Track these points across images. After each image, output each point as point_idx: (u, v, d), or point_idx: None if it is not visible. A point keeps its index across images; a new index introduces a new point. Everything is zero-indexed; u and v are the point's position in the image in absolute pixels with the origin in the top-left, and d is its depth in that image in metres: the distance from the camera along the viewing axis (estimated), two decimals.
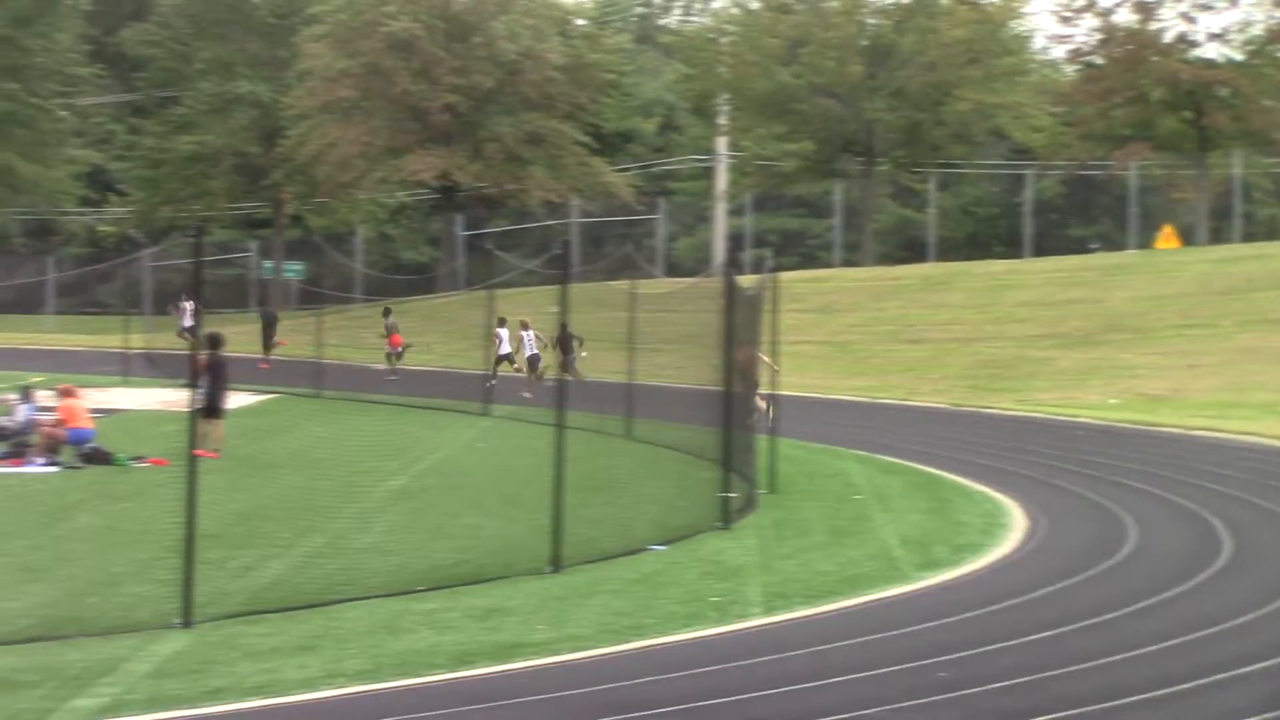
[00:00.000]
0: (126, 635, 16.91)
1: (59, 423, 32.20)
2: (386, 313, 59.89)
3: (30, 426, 32.75)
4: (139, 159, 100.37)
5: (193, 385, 18.83)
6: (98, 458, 31.67)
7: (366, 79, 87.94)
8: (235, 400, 35.23)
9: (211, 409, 32.43)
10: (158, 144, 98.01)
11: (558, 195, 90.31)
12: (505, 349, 52.13)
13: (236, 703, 14.23)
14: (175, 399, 38.65)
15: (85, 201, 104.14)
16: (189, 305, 75.45)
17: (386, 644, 16.76)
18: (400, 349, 58.27)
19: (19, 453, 31.56)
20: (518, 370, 51.52)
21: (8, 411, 33.93)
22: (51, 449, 31.60)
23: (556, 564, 21.53)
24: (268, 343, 62.19)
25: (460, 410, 45.17)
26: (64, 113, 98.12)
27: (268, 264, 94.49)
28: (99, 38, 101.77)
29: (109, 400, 43.53)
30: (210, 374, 32.83)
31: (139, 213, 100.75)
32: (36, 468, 30.76)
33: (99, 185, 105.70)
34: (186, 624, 17.28)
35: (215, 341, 33.95)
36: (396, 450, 35.29)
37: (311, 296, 78.17)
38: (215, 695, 14.44)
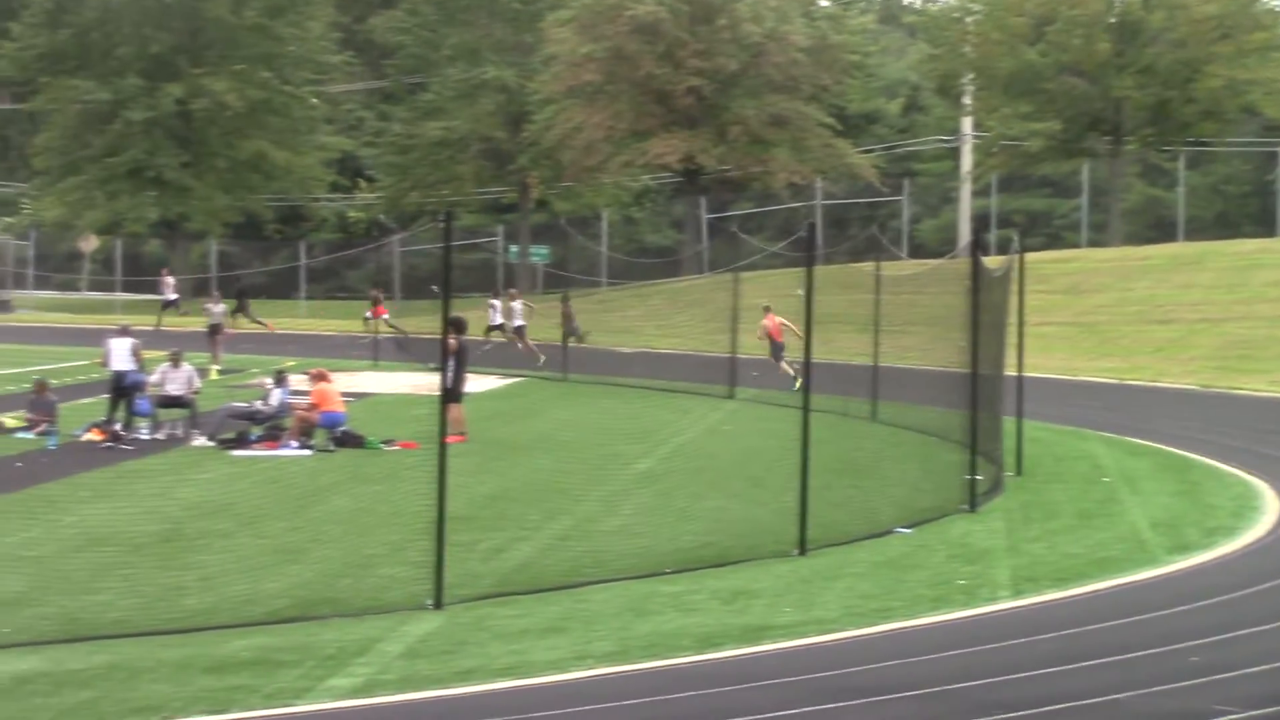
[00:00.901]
0: (380, 616, 17.22)
1: (312, 406, 32.83)
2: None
3: (284, 410, 33.44)
4: (388, 145, 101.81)
5: (444, 369, 19.09)
6: (349, 441, 32.23)
7: (611, 63, 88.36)
8: (484, 384, 35.60)
9: (451, 392, 32.95)
10: (406, 130, 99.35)
11: (801, 177, 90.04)
12: (497, 319, 57.74)
13: (487, 683, 14.42)
14: (424, 382, 39.37)
15: (335, 188, 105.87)
16: (171, 280, 76.96)
17: (634, 626, 16.89)
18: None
19: (274, 436, 32.23)
20: (509, 339, 56.46)
21: (262, 395, 34.66)
22: (305, 432, 32.22)
23: (802, 547, 21.54)
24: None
25: (704, 393, 45.26)
26: (315, 100, 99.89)
27: (514, 248, 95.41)
28: (349, 26, 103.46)
29: (360, 384, 44.30)
30: (456, 357, 33.35)
31: (388, 198, 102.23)
32: (290, 451, 31.39)
33: (349, 171, 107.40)
34: (438, 605, 17.54)
35: (459, 326, 34.38)
36: (642, 433, 35.50)
37: (557, 280, 78.83)
38: (466, 676, 14.65)
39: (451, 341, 32.54)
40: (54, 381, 36.00)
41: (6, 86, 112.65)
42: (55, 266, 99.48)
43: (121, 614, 16.96)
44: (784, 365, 46.57)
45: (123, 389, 33.53)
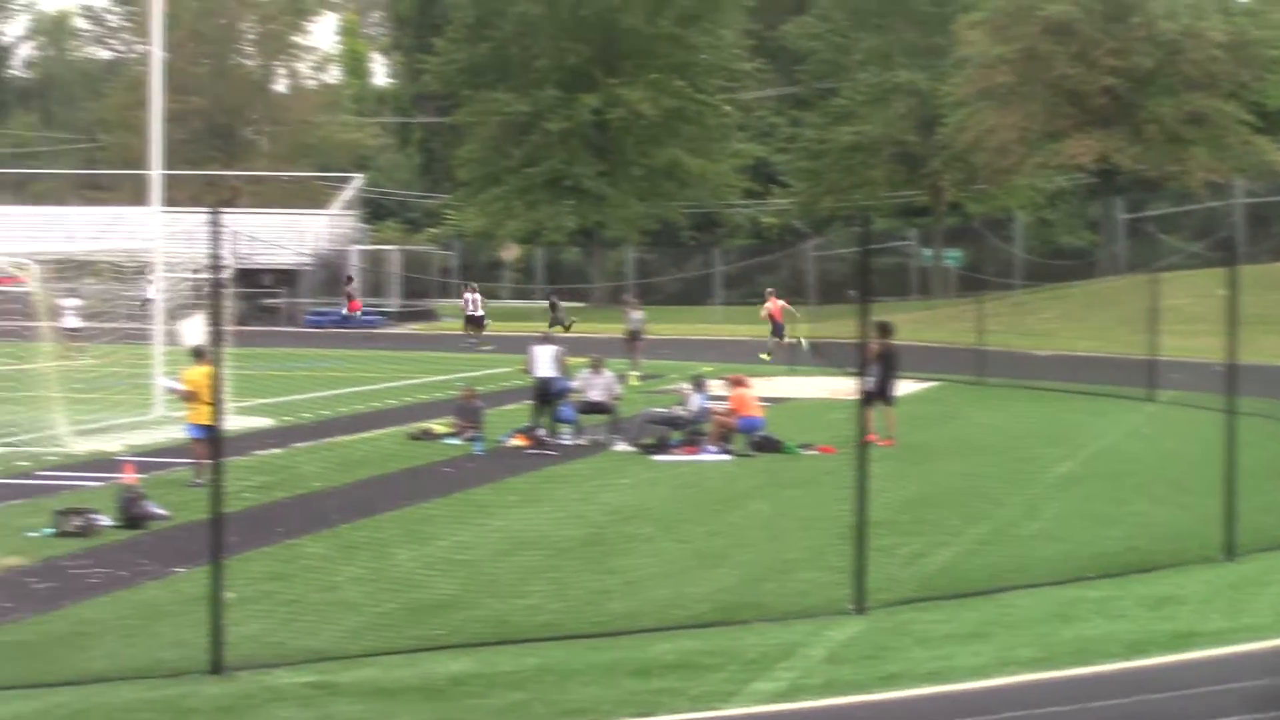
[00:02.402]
0: (801, 620, 17.24)
1: (730, 411, 33.06)
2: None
3: (704, 415, 33.74)
4: (800, 151, 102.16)
5: (862, 373, 19.04)
6: (768, 445, 32.38)
7: (1024, 64, 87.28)
8: (900, 388, 35.42)
9: (883, 396, 32.98)
10: (818, 135, 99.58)
11: (1220, 176, 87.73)
12: (472, 311, 63.03)
13: (911, 689, 14.35)
14: (842, 387, 39.26)
15: (748, 194, 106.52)
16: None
17: (1058, 631, 16.63)
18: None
19: (693, 441, 32.53)
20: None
21: (682, 401, 35.03)
22: (724, 437, 32.47)
23: (1229, 552, 20.95)
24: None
25: (1123, 396, 44.38)
26: (728, 107, 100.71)
27: (927, 251, 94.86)
28: (761, 33, 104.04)
29: (776, 389, 44.46)
30: (881, 362, 33.34)
31: (801, 204, 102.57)
32: (710, 455, 31.65)
33: (761, 178, 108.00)
34: (860, 610, 17.50)
35: (886, 329, 34.31)
36: (1060, 436, 34.97)
37: (971, 283, 78.08)
38: (890, 681, 14.60)
39: (876, 345, 32.60)
40: (480, 388, 36.86)
41: (431, 100, 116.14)
42: (478, 275, 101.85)
43: (550, 617, 17.29)
44: (785, 341, 55.25)
45: (547, 395, 34.21)
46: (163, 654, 15.49)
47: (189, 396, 26.98)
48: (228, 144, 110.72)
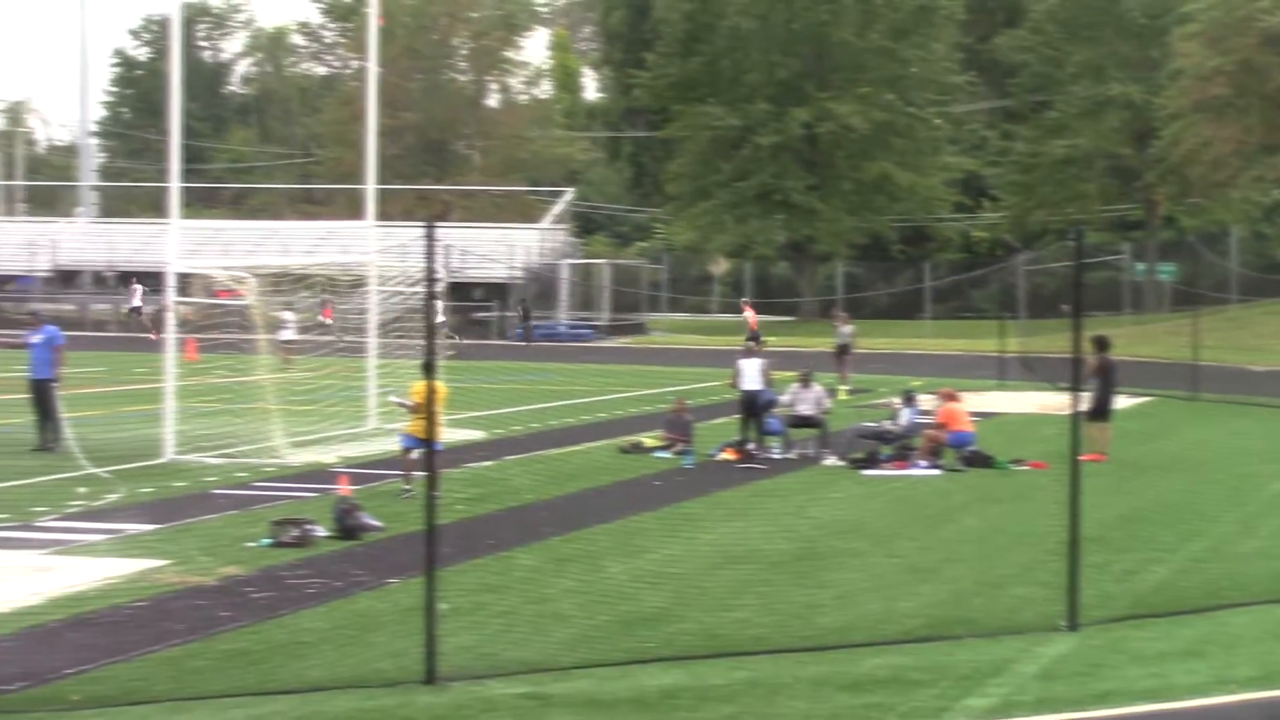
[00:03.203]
0: (1013, 636, 17.08)
1: (940, 426, 32.85)
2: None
3: (914, 430, 33.57)
4: (1011, 164, 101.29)
5: (1078, 388, 18.84)
6: (978, 460, 32.13)
7: (1240, 76, 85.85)
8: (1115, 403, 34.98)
9: (1099, 411, 32.64)
10: (1030, 149, 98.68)
11: None
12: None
13: (1125, 707, 14.17)
14: (1053, 402, 38.87)
15: (959, 208, 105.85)
16: (139, 287, 76.64)
17: (1277, 651, 16.33)
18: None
19: (903, 456, 32.36)
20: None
21: (892, 415, 34.88)
22: (933, 452, 32.26)
23: None
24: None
25: None
26: (939, 121, 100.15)
27: (1140, 266, 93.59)
28: (972, 46, 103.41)
29: (987, 403, 44.10)
30: (1099, 376, 33.01)
31: (1011, 218, 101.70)
32: (920, 470, 31.46)
33: (972, 191, 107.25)
34: (1072, 627, 17.30)
35: (1103, 344, 33.95)
36: (1278, 453, 34.35)
37: (1185, 297, 76.89)
38: (1103, 699, 14.42)
39: (1093, 359, 32.26)
40: (690, 401, 36.93)
41: (641, 115, 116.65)
42: (687, 289, 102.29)
43: (760, 630, 17.28)
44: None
45: (753, 408, 34.20)
46: (378, 664, 15.68)
47: (415, 409, 27.37)
48: (440, 159, 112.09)
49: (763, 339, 55.69)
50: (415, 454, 26.60)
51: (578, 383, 53.93)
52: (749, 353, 35.40)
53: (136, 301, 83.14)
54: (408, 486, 26.79)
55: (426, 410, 26.89)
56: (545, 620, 17.66)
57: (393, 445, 29.87)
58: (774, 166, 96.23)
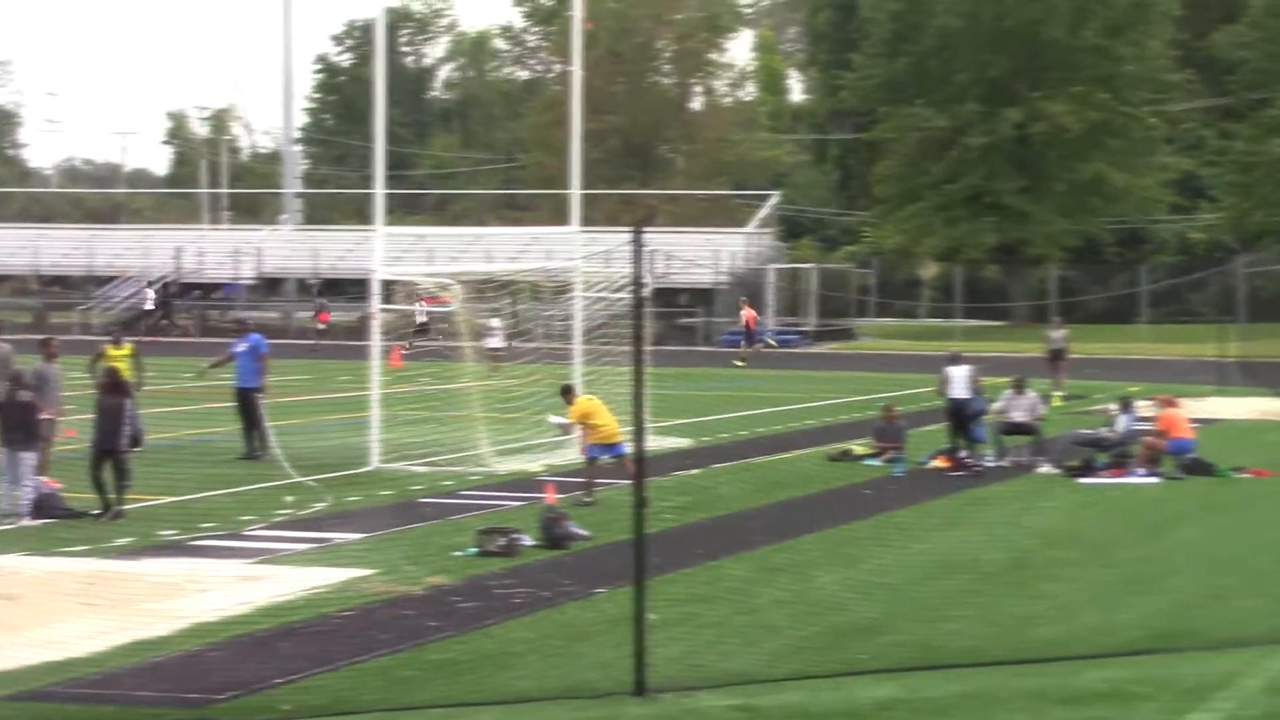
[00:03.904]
0: (1238, 649, 16.81)
1: (1160, 433, 32.39)
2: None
3: (1131, 437, 33.13)
4: (1230, 164, 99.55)
5: None
6: (1198, 468, 31.63)
7: None
8: None
9: None
10: (1249, 147, 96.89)
11: None
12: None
13: None
14: (1276, 408, 38.28)
15: (1175, 209, 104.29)
16: (150, 292, 75.97)
17: None
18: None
19: (1120, 463, 31.95)
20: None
21: (1108, 422, 34.45)
22: (1152, 459, 31.81)
23: None
24: None
25: None
26: (1154, 120, 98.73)
27: None
28: (1188, 42, 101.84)
29: (1206, 409, 43.39)
30: None
31: (1230, 218, 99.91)
32: (1137, 478, 31.03)
33: (1189, 192, 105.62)
34: None
35: None
36: None
37: None
38: None
39: None
40: (899, 408, 36.75)
41: (847, 116, 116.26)
42: (895, 293, 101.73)
43: (975, 642, 17.15)
44: (757, 347, 63.20)
45: (961, 417, 33.89)
46: (586, 675, 15.76)
47: (567, 430, 27.81)
48: (644, 162, 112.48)
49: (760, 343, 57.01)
50: (603, 461, 26.87)
51: (785, 389, 53.84)
52: (955, 359, 35.07)
53: (149, 305, 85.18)
54: (589, 499, 26.94)
55: (589, 422, 27.42)
56: (755, 631, 17.66)
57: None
58: (984, 168, 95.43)
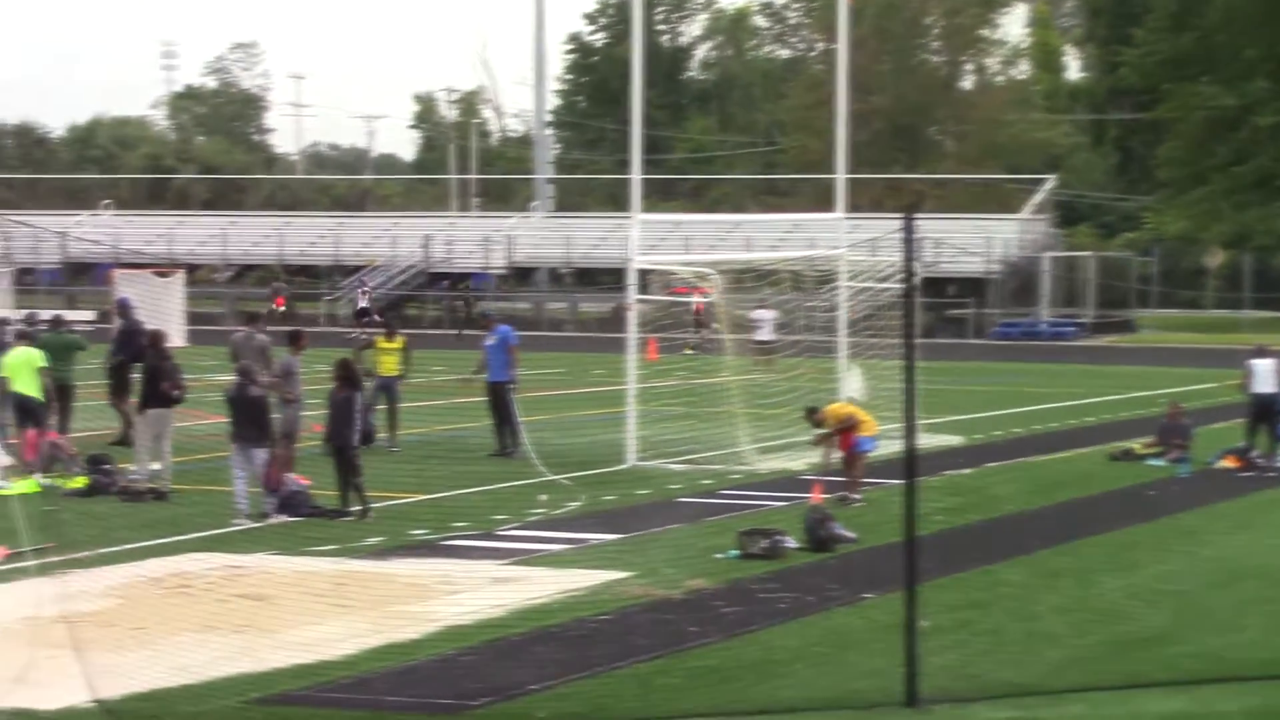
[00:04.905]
0: None
1: None
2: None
3: None
4: None
5: None
6: None
7: None
8: None
9: None
10: None
11: None
12: None
13: None
14: None
15: None
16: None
17: None
18: None
19: None
20: None
21: None
22: None
23: None
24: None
25: None
26: None
27: None
28: None
29: None
30: None
31: None
32: None
33: None
34: None
35: None
36: None
37: None
38: None
39: None
40: (1186, 405, 36.15)
41: (1127, 95, 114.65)
42: (1179, 283, 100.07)
43: (1272, 653, 16.83)
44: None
45: (1266, 413, 33.16)
46: (854, 684, 15.69)
47: (824, 440, 27.79)
48: (911, 145, 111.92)
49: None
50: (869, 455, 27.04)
51: (1061, 384, 53.24)
52: (1261, 352, 34.27)
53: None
54: (857, 497, 26.85)
55: (857, 421, 27.39)
56: (1033, 640, 17.50)
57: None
58: (1275, 149, 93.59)
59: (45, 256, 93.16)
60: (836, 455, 27.87)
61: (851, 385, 31.62)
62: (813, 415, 28.69)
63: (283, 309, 74.31)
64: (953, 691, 15.21)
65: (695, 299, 63.11)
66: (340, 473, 25.91)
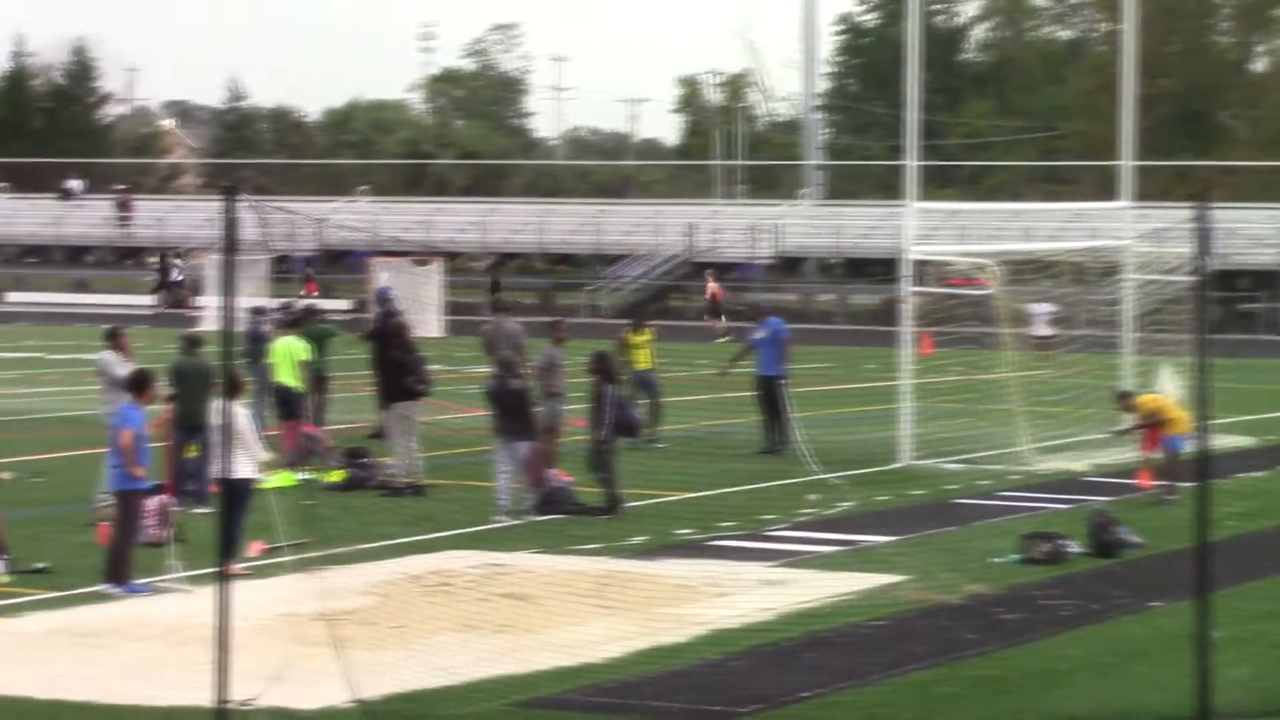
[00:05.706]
0: None
1: None
2: None
3: None
4: None
5: None
6: None
7: None
8: None
9: None
10: None
11: None
12: None
13: None
14: None
15: None
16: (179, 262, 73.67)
17: None
18: None
19: None
20: None
21: None
22: None
23: None
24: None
25: None
26: None
27: None
28: None
29: None
30: None
31: None
32: None
33: None
34: None
35: None
36: None
37: None
38: None
39: None
40: None
41: None
42: None
43: None
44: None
45: None
46: (1141, 697, 15.53)
47: (1147, 442, 27.50)
48: (1200, 130, 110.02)
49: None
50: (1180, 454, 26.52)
51: None
52: None
53: (176, 276, 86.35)
54: (1172, 496, 26.49)
55: (1166, 417, 27.02)
56: None
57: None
58: None
59: (301, 244, 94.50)
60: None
61: (1165, 383, 31.19)
62: (1125, 400, 28.47)
63: (315, 294, 75.03)
64: (1247, 707, 15.00)
65: (712, 285, 66.24)
66: (592, 468, 26.16)
